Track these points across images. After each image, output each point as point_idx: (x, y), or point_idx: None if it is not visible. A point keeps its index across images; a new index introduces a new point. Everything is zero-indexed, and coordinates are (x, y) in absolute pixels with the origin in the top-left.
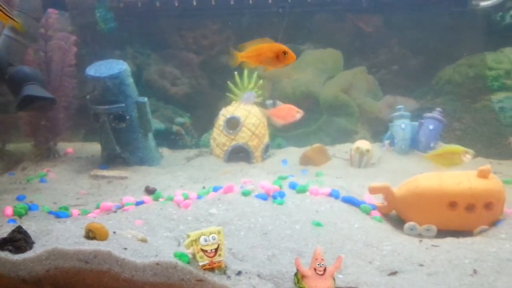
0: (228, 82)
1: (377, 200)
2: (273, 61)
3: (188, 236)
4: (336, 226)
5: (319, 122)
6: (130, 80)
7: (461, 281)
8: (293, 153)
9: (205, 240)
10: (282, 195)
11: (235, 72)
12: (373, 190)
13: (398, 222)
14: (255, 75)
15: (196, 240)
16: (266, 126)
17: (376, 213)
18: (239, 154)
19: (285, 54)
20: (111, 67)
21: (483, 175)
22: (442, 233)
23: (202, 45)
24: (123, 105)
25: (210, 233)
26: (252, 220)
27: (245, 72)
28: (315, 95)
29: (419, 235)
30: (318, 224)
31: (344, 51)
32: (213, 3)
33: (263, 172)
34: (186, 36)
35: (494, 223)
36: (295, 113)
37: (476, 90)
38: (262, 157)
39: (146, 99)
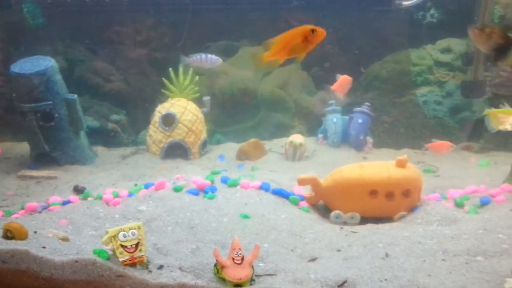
0: (163, 78)
1: (307, 191)
2: (303, 45)
3: (107, 233)
4: (263, 217)
5: (258, 117)
6: (58, 77)
7: (372, 264)
8: (231, 148)
9: (124, 236)
10: (213, 189)
11: (170, 69)
12: (301, 182)
13: (325, 211)
14: (190, 71)
15: (115, 236)
16: (203, 122)
17: (304, 204)
18: (177, 151)
19: (313, 32)
20: (37, 63)
21: (401, 164)
22: (366, 220)
23: (137, 41)
24: (51, 102)
25: (130, 229)
26: (181, 215)
27: (180, 69)
28: (253, 91)
29: (344, 223)
30: (246, 216)
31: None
32: None
33: (198, 168)
34: (120, 32)
35: (412, 209)
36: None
37: (402, 85)
38: (200, 153)
39: (75, 96)
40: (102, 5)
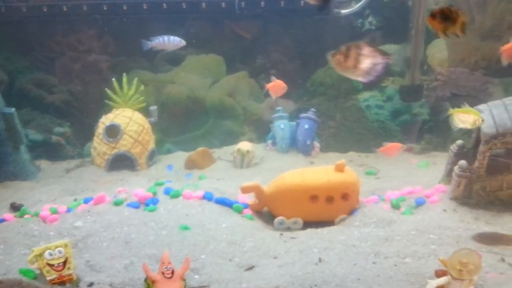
0: (106, 89)
1: (251, 198)
2: None
3: (33, 251)
4: (204, 228)
5: (207, 125)
6: None
7: (304, 270)
8: (181, 157)
9: (51, 254)
10: (155, 201)
11: (113, 79)
12: (244, 190)
13: (270, 218)
14: (135, 81)
15: (40, 255)
16: (150, 132)
17: (248, 211)
18: (123, 162)
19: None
20: None
21: (339, 169)
22: (309, 224)
23: (79, 51)
24: None
25: (56, 247)
26: (118, 230)
27: (124, 79)
28: (201, 99)
29: (288, 228)
30: (186, 228)
31: (225, 56)
32: (85, 8)
33: (144, 179)
34: (61, 42)
35: (351, 212)
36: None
37: (345, 90)
38: (148, 163)
39: (13, 109)
40: (42, 15)
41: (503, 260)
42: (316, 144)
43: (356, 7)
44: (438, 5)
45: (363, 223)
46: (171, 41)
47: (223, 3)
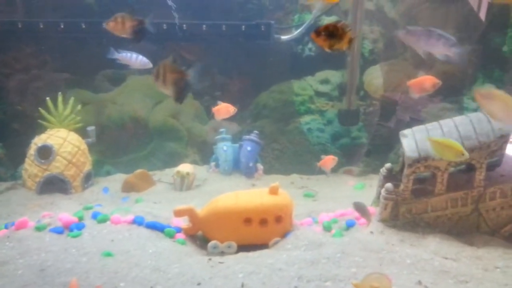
0: (40, 109)
1: (186, 222)
2: None
3: None
4: (128, 254)
5: (150, 147)
6: None
7: None
8: (120, 180)
9: None
10: (80, 226)
11: (47, 98)
12: (177, 213)
13: (205, 242)
14: (71, 100)
15: None
16: (86, 153)
17: (181, 236)
18: (56, 185)
19: None
20: None
21: (273, 191)
22: (244, 248)
23: (15, 69)
24: None
25: None
26: (35, 257)
27: (59, 98)
28: (144, 120)
29: (222, 253)
30: (109, 254)
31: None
32: (20, 26)
33: (76, 203)
34: None
35: (285, 235)
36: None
37: (288, 114)
38: (83, 186)
39: None
40: None
41: (420, 283)
42: (260, 166)
43: (295, 34)
44: (373, 33)
45: (294, 246)
46: (139, 60)
47: (164, 25)
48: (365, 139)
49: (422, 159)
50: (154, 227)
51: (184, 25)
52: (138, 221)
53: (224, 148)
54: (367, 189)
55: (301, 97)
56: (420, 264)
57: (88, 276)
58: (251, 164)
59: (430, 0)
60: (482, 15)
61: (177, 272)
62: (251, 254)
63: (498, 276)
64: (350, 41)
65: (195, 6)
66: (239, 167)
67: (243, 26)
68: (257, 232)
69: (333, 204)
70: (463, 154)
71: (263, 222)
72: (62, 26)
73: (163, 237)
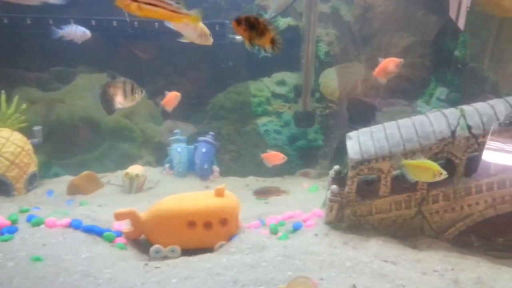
0: None
1: (127, 226)
2: None
3: None
4: (59, 259)
5: (102, 148)
6: None
7: None
8: (68, 182)
9: None
10: (12, 230)
11: None
12: (118, 217)
13: (147, 246)
14: (15, 99)
15: None
16: (31, 154)
17: (121, 240)
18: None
19: None
20: None
21: (218, 194)
22: (189, 252)
23: None
24: None
25: None
26: None
27: (2, 97)
28: (95, 120)
29: (165, 257)
30: (38, 259)
31: (122, 76)
32: None
33: (15, 206)
34: None
35: (230, 238)
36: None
37: (245, 115)
38: (27, 188)
39: None
40: None
41: (354, 286)
42: (215, 168)
43: None
44: (329, 36)
45: (238, 250)
46: (78, 31)
47: (114, 22)
48: (321, 141)
49: (365, 161)
50: (92, 231)
51: (135, 23)
52: (74, 225)
53: (178, 150)
54: (321, 191)
55: (258, 99)
56: (359, 267)
57: (12, 281)
58: (206, 166)
59: (385, 4)
60: (461, 24)
61: (108, 278)
62: (191, 258)
63: (435, 280)
64: (274, 41)
65: None
66: (194, 169)
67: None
68: (201, 236)
69: (284, 207)
70: (441, 174)
71: (208, 225)
72: (5, 21)
73: (101, 242)
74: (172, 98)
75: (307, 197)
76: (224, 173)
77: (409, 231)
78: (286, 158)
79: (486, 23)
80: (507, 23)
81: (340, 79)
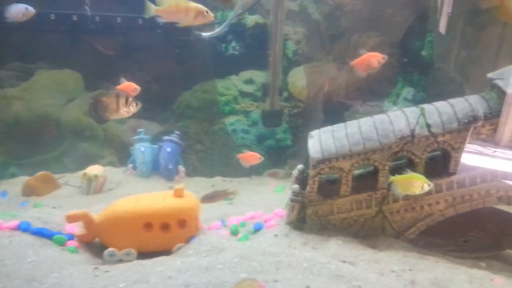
0: None
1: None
2: None
3: None
4: (2, 263)
5: (61, 147)
6: None
7: None
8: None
9: None
10: None
11: None
12: (70, 219)
13: (102, 250)
14: None
15: None
16: None
17: (73, 243)
18: None
19: None
20: None
21: (177, 194)
22: (146, 255)
23: None
24: None
25: None
26: None
27: None
28: (55, 118)
29: (120, 261)
30: None
31: (84, 72)
32: None
33: None
34: None
35: (189, 240)
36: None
37: (212, 114)
38: None
39: None
40: None
41: None
42: (181, 169)
43: (216, 31)
44: (297, 34)
45: (196, 252)
46: (18, 9)
47: (74, 16)
48: (290, 141)
49: (326, 160)
50: (41, 233)
51: (97, 17)
52: (23, 227)
53: (142, 149)
54: (287, 191)
55: (225, 97)
56: (316, 268)
57: None
58: (170, 166)
59: (352, 3)
60: (442, 28)
61: (53, 283)
62: (145, 261)
63: (392, 281)
64: None
65: None
66: (158, 169)
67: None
68: (158, 238)
69: (248, 208)
70: (429, 185)
71: (165, 226)
72: None
73: (51, 245)
74: (128, 88)
75: (272, 198)
76: (190, 173)
77: (371, 231)
78: (262, 158)
79: (452, 23)
80: (471, 24)
81: (309, 78)
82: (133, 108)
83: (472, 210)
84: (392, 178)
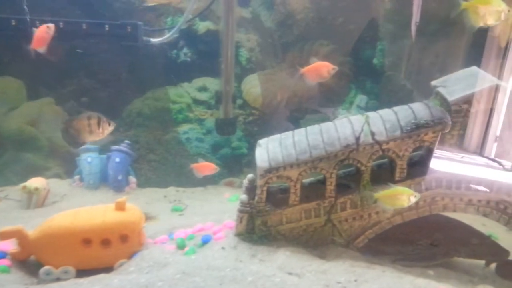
0: None
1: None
2: None
3: None
4: None
5: (3, 159)
6: None
7: None
8: None
9: None
10: None
11: None
12: (2, 236)
13: (38, 268)
14: None
15: None
16: None
17: (5, 262)
18: None
19: None
20: None
21: (119, 207)
22: (86, 272)
23: None
24: None
25: None
26: None
27: None
28: None
29: (57, 279)
30: None
31: (26, 80)
32: None
33: None
34: None
35: (132, 255)
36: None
37: (165, 122)
38: None
39: None
40: None
41: None
42: (132, 179)
43: (165, 37)
44: (250, 42)
45: (138, 268)
46: None
47: (12, 21)
48: (245, 149)
49: (273, 169)
50: None
51: (37, 22)
52: None
53: (89, 160)
54: None
55: (178, 105)
56: (261, 281)
57: None
58: (120, 177)
59: (304, 11)
60: (412, 36)
61: None
62: (82, 280)
63: None
64: None
65: (53, 1)
66: (107, 181)
67: (107, 26)
68: (99, 254)
69: (199, 219)
70: (415, 196)
71: (106, 242)
72: None
73: None
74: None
75: (226, 208)
76: (143, 184)
77: (320, 240)
78: (218, 168)
79: (403, 31)
80: (422, 32)
81: (263, 85)
82: (106, 130)
83: (420, 218)
84: (376, 195)
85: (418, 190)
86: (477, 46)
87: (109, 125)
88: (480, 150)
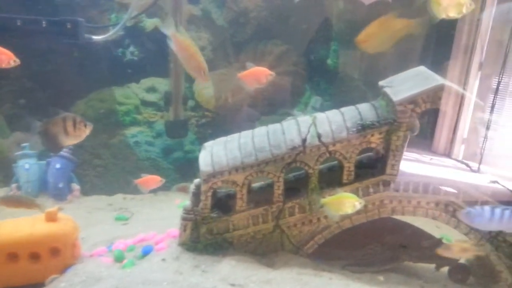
0: None
1: None
2: None
3: None
4: None
5: None
6: None
7: None
8: None
9: None
10: None
11: None
12: None
13: None
14: None
15: None
16: None
17: None
18: None
19: None
20: None
21: (50, 218)
22: None
23: None
24: None
25: None
26: None
27: None
28: None
29: None
30: None
31: None
32: None
33: None
34: None
35: (64, 270)
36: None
37: (111, 125)
38: None
39: None
40: None
41: None
42: (75, 187)
43: (109, 34)
44: (201, 40)
45: (69, 284)
46: None
47: None
48: (199, 152)
49: (217, 174)
50: None
51: None
52: None
53: (26, 166)
54: None
55: (125, 107)
56: None
57: None
58: (61, 185)
59: (257, 10)
60: None
61: None
62: None
63: None
64: None
65: None
66: (46, 188)
67: (44, 22)
68: (27, 270)
69: (143, 228)
70: (360, 203)
71: (34, 256)
72: None
73: None
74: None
75: (174, 215)
76: (88, 191)
77: (269, 247)
78: (163, 180)
79: (356, 31)
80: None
81: (216, 86)
82: (82, 132)
83: (371, 221)
84: (323, 200)
85: (366, 193)
86: (439, 44)
87: (85, 126)
88: (448, 152)
